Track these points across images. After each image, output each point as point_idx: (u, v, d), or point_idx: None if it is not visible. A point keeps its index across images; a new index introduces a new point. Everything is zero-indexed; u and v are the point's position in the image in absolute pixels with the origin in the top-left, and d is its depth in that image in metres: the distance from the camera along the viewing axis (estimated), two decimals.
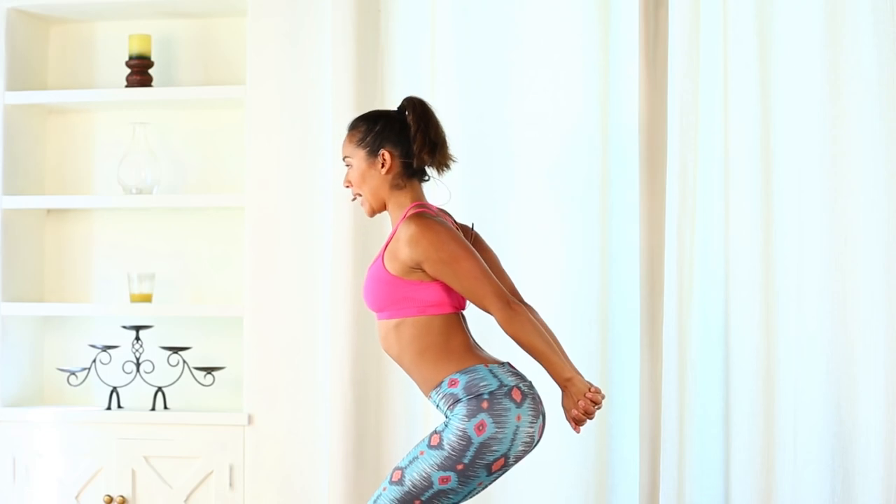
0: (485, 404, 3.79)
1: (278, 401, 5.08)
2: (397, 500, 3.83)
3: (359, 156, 3.99)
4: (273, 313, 5.11)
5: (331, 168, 5.01)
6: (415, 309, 3.89)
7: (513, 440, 3.81)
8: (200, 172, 5.47)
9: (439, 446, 3.80)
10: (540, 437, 3.91)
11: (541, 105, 4.98)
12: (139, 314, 5.32)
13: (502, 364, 3.90)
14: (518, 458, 3.86)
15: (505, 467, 3.84)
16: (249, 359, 5.14)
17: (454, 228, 3.95)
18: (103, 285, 5.53)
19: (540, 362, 3.87)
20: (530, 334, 3.84)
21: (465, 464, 3.78)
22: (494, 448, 3.79)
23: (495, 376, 3.85)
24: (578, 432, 3.92)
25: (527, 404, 3.85)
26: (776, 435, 4.77)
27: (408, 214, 3.91)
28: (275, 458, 5.10)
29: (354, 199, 4.04)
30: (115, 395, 5.33)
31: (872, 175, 4.71)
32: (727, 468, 4.81)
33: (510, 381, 3.85)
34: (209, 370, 5.26)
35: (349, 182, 4.02)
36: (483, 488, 3.87)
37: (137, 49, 5.37)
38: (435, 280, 3.88)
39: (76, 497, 5.23)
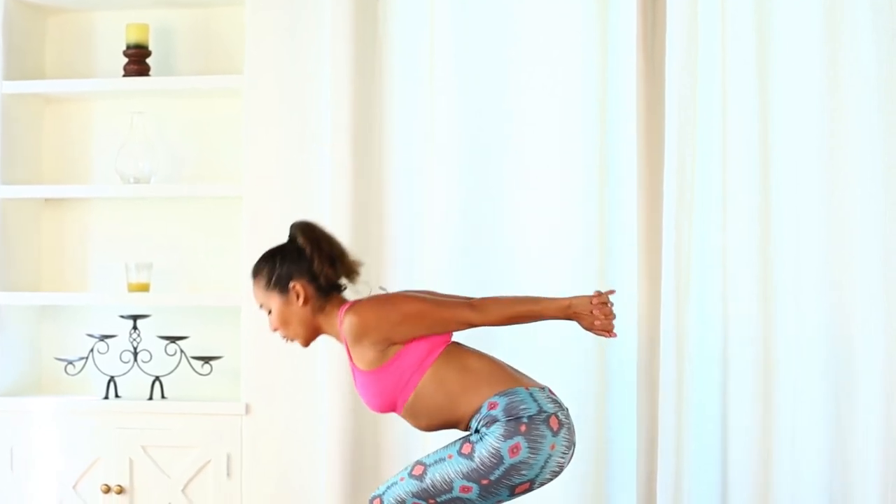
0: (523, 428, 3.81)
1: (276, 390, 5.08)
2: (412, 493, 3.86)
3: (273, 298, 4.00)
4: None
5: (328, 158, 5.01)
6: (415, 375, 3.91)
7: (542, 467, 3.84)
8: (198, 162, 5.47)
9: (469, 456, 3.82)
10: (566, 465, 3.93)
11: (539, 99, 4.97)
12: (137, 303, 5.32)
13: (542, 388, 3.93)
14: (542, 484, 3.90)
15: (528, 491, 3.88)
16: (247, 348, 5.14)
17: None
18: (101, 275, 5.53)
19: (536, 318, 3.91)
20: (506, 307, 3.90)
21: (490, 480, 3.81)
22: (524, 472, 3.82)
23: (535, 400, 3.87)
24: (615, 335, 3.96)
25: (562, 434, 3.88)
26: (774, 424, 4.78)
27: (342, 319, 3.92)
28: (272, 448, 5.10)
29: (275, 331, 4.03)
30: (112, 384, 5.33)
31: (870, 168, 4.71)
32: (725, 457, 4.81)
33: (550, 407, 3.87)
34: (207, 360, 5.26)
35: (275, 326, 4.02)
36: None
37: (135, 38, 5.36)
38: (407, 341, 3.90)
39: (74, 487, 5.23)
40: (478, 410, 3.88)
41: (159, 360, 5.36)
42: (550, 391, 3.95)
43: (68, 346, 5.50)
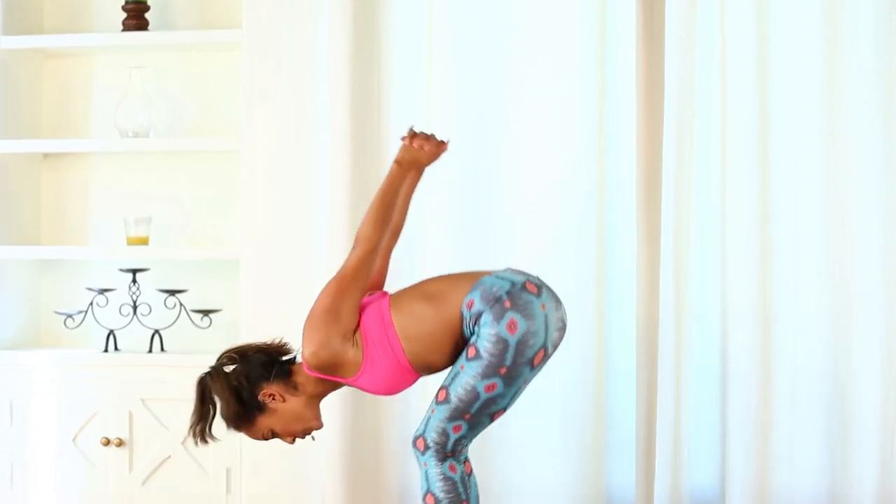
0: (507, 304, 3.79)
1: None
2: (447, 418, 3.83)
3: (263, 422, 3.89)
4: (270, 255, 5.12)
5: (327, 111, 5.02)
6: (388, 335, 3.87)
7: (546, 329, 3.82)
8: (197, 116, 5.47)
9: (477, 356, 3.80)
10: (566, 318, 3.91)
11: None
12: (136, 257, 5.33)
13: (503, 270, 3.92)
14: (556, 346, 3.88)
15: (546, 358, 3.85)
16: (246, 301, 5.15)
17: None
18: (100, 228, 5.54)
19: (394, 193, 3.88)
20: (367, 213, 3.87)
21: (507, 366, 3.78)
22: (532, 343, 3.79)
23: (503, 279, 3.86)
24: (445, 142, 3.94)
25: (545, 293, 3.87)
26: (773, 378, 4.79)
27: (308, 371, 3.87)
28: None
29: (293, 441, 3.94)
30: (112, 337, 5.35)
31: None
32: (724, 409, 4.82)
33: (519, 278, 3.87)
34: (206, 313, 5.28)
35: (291, 438, 3.92)
36: (527, 384, 3.86)
37: None
38: (356, 320, 3.86)
39: (73, 439, 5.25)
40: (462, 319, 3.86)
41: (158, 313, 5.37)
42: (511, 268, 3.94)
43: (68, 299, 5.51)
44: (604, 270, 4.92)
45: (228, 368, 3.90)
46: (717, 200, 4.84)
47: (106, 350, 5.34)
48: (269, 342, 3.96)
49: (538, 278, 3.90)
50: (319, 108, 5.08)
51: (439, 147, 3.94)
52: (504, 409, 3.85)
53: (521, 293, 3.82)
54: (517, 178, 4.97)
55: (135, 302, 5.37)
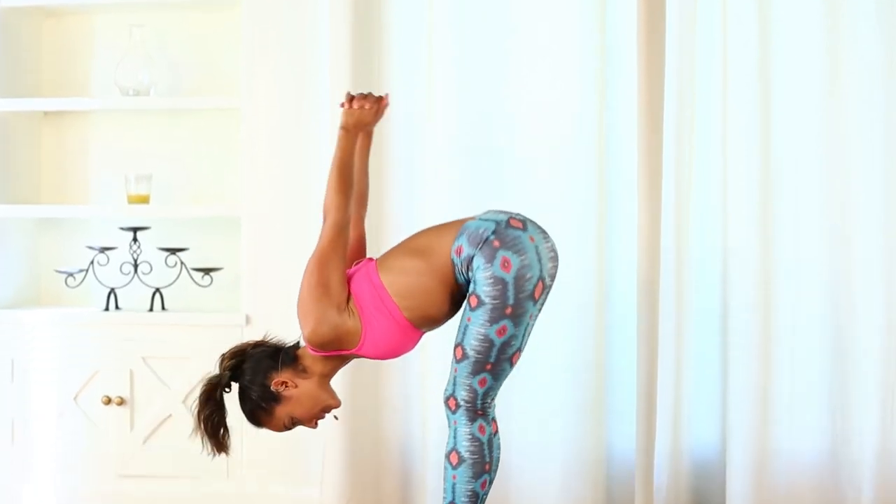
0: (496, 243, 3.81)
1: (276, 301, 5.08)
2: (470, 373, 3.85)
3: (281, 410, 3.88)
4: (270, 214, 5.12)
5: (327, 66, 5.00)
6: (382, 297, 3.87)
7: (539, 260, 3.84)
8: (197, 74, 5.46)
9: (480, 304, 3.81)
10: (556, 247, 3.93)
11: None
12: (136, 215, 5.32)
13: (484, 212, 3.94)
14: (552, 277, 3.90)
15: (545, 289, 3.87)
16: (247, 260, 5.16)
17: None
18: (100, 187, 5.53)
19: (349, 157, 3.88)
20: (328, 184, 3.88)
21: (511, 305, 3.80)
22: (528, 276, 3.80)
23: (487, 220, 3.88)
24: (385, 97, 3.96)
25: (530, 226, 3.89)
26: (774, 338, 4.79)
27: (311, 351, 3.88)
28: None
29: (315, 424, 3.94)
30: (112, 296, 5.34)
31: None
32: (725, 368, 4.82)
33: (502, 216, 3.89)
34: (207, 271, 5.27)
35: (313, 422, 3.92)
36: (535, 320, 3.88)
37: None
38: (346, 290, 3.87)
39: (74, 398, 5.25)
40: (454, 266, 3.87)
41: (159, 271, 5.37)
42: (492, 209, 3.96)
43: (68, 258, 5.51)
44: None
45: (236, 357, 3.92)
46: (718, 161, 4.83)
47: (107, 309, 5.33)
48: (262, 339, 3.98)
49: (520, 214, 3.92)
50: (320, 64, 5.07)
51: (379, 102, 3.96)
52: (520, 350, 3.87)
53: (508, 230, 3.84)
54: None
55: (135, 260, 5.36)
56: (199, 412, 3.87)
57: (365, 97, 3.92)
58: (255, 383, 3.86)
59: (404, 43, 5.02)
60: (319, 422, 3.94)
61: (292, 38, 5.12)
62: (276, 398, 3.87)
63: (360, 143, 4.02)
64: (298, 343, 3.96)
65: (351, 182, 3.90)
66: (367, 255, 4.09)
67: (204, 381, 3.91)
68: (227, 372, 3.89)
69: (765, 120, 4.77)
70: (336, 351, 3.87)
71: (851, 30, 4.74)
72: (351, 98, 3.93)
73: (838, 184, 4.77)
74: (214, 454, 3.87)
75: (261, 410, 3.88)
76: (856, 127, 4.74)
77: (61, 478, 5.25)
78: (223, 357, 3.93)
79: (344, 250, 3.87)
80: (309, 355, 3.90)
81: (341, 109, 3.93)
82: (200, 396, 3.89)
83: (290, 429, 3.93)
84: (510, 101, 4.95)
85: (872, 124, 4.72)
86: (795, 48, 4.78)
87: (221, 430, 3.86)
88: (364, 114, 3.93)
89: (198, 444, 3.86)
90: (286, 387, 3.87)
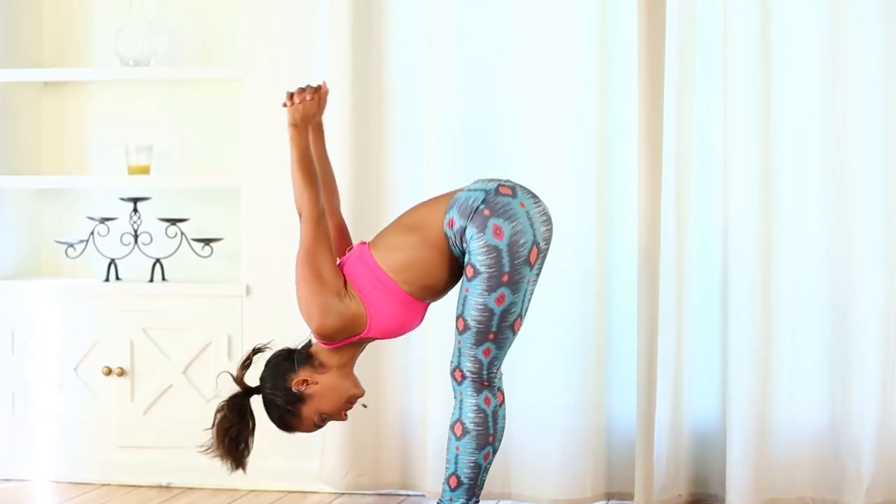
0: (487, 212, 3.83)
1: (276, 271, 5.08)
2: (473, 343, 3.87)
3: (306, 413, 3.90)
4: (271, 184, 5.10)
5: (327, 35, 4.99)
6: (379, 276, 3.88)
7: (532, 224, 3.86)
8: (198, 44, 5.44)
9: (476, 274, 3.83)
10: (548, 210, 3.95)
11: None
12: (137, 186, 5.31)
13: (473, 182, 3.96)
14: (547, 241, 3.92)
15: (541, 253, 3.89)
16: (247, 230, 5.15)
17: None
18: (101, 157, 5.52)
19: (305, 152, 3.92)
20: (294, 181, 3.93)
21: (507, 272, 3.81)
22: (522, 241, 3.82)
23: (475, 190, 3.90)
24: (324, 84, 3.97)
25: (520, 192, 3.91)
26: (774, 310, 4.78)
27: (325, 345, 3.89)
28: (273, 329, 5.05)
29: (345, 416, 3.96)
30: (113, 266, 5.34)
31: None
32: (725, 340, 4.82)
33: (490, 185, 3.91)
34: (207, 241, 5.27)
35: (343, 414, 3.93)
36: (533, 285, 3.91)
37: None
38: (342, 278, 3.89)
39: (75, 369, 5.25)
40: (448, 239, 3.88)
41: (160, 242, 5.36)
42: (481, 178, 3.99)
43: (69, 228, 5.51)
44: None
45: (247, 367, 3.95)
46: (718, 136, 4.82)
47: (107, 279, 5.33)
48: (266, 345, 3.99)
49: (509, 180, 3.94)
50: (320, 35, 5.06)
51: (318, 91, 3.96)
52: (521, 317, 3.88)
53: (497, 198, 3.85)
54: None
55: (136, 231, 5.36)
56: (218, 424, 3.88)
57: (303, 90, 3.93)
58: (278, 388, 3.88)
59: (406, 13, 5.00)
60: (348, 413, 3.96)
61: (293, 9, 5.10)
62: (300, 398, 3.89)
63: (314, 136, 4.05)
64: (310, 342, 3.98)
65: (314, 174, 3.93)
66: (360, 241, 4.08)
67: (229, 403, 3.90)
68: (243, 381, 3.91)
69: (764, 95, 4.76)
70: (347, 339, 3.89)
71: (854, 23, 4.70)
72: (290, 95, 3.94)
73: (838, 162, 4.75)
74: (232, 469, 3.91)
75: (289, 414, 3.90)
76: (856, 110, 4.72)
77: (62, 449, 5.26)
78: (238, 373, 3.93)
79: (327, 239, 3.91)
80: (322, 350, 3.92)
81: (284, 110, 3.94)
82: (221, 409, 3.90)
83: (321, 426, 3.95)
84: (512, 81, 4.94)
85: (875, 106, 4.70)
86: (796, 28, 4.77)
87: (242, 445, 3.88)
88: (307, 106, 3.93)
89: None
90: (307, 385, 3.88)
